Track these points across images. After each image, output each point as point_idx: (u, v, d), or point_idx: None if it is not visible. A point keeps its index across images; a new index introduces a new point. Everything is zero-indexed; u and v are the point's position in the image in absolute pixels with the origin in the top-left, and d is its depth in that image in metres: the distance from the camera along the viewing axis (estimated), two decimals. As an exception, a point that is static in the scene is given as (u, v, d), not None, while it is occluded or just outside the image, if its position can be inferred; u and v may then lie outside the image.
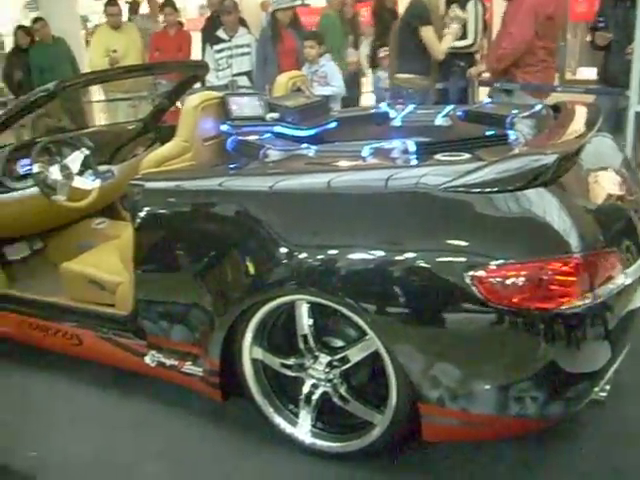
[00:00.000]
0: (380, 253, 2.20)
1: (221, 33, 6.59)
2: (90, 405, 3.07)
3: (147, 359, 2.85)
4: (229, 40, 6.54)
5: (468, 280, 2.06)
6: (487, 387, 2.16)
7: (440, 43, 5.26)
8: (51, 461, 2.72)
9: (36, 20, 8.00)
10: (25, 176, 3.61)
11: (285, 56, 6.31)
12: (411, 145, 2.49)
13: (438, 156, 2.38)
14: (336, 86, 5.98)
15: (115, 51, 7.20)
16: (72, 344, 3.15)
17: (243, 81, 6.45)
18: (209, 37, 6.78)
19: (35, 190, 3.47)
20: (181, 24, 7.61)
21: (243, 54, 6.55)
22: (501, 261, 2.05)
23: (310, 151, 2.66)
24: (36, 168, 3.43)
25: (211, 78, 6.32)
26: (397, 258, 2.16)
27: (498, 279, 2.05)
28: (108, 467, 2.66)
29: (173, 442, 2.76)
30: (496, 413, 2.18)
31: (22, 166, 3.67)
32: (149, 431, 2.84)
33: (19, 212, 3.64)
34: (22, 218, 3.71)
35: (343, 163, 2.51)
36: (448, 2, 5.69)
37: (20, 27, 8.11)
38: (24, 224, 3.83)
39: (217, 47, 6.55)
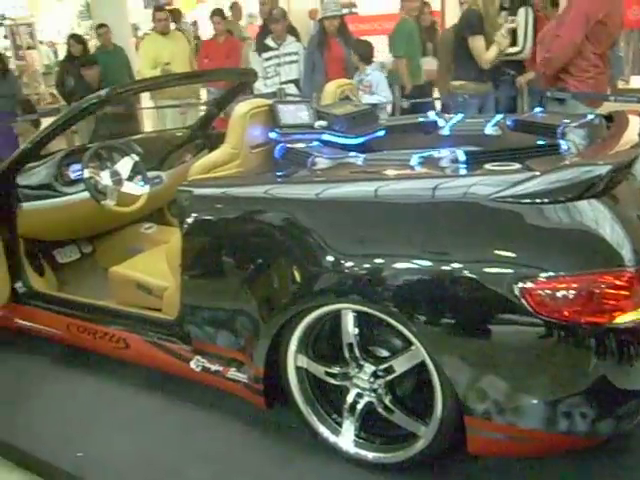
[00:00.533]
0: (427, 263, 2.18)
1: (269, 41, 6.64)
2: (136, 408, 3.10)
3: (192, 364, 2.87)
4: (277, 48, 6.59)
5: (517, 292, 2.03)
6: (535, 402, 2.12)
7: (487, 52, 5.22)
8: (96, 462, 2.75)
9: (100, 26, 8.19)
10: (76, 181, 3.70)
11: (332, 64, 6.33)
12: (460, 154, 2.46)
13: (488, 166, 2.35)
14: (382, 95, 5.97)
15: (168, 63, 7.28)
16: (119, 347, 3.19)
17: (291, 89, 6.49)
18: (258, 45, 6.84)
19: (86, 195, 3.53)
20: (230, 32, 7.68)
21: (291, 62, 6.59)
22: (551, 273, 2.02)
23: (358, 159, 2.65)
24: (87, 173, 3.49)
25: (259, 86, 6.37)
26: (444, 268, 2.14)
27: (548, 292, 2.01)
28: (152, 470, 2.69)
29: (216, 447, 2.77)
30: (544, 429, 2.14)
31: (73, 171, 3.76)
32: (193, 435, 2.86)
33: (70, 216, 3.72)
34: (73, 222, 3.78)
35: (391, 172, 2.49)
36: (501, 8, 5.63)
37: (72, 36, 8.28)
38: (74, 228, 3.91)
39: (265, 55, 6.60)
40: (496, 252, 2.10)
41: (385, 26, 14.26)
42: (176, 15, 10.43)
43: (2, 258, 3.43)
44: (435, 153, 2.54)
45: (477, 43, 5.18)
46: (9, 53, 14.45)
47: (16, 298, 3.54)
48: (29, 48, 15.57)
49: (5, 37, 15.45)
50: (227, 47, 7.46)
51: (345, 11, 6.66)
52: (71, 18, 18.92)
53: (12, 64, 12.49)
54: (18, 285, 3.55)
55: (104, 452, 2.80)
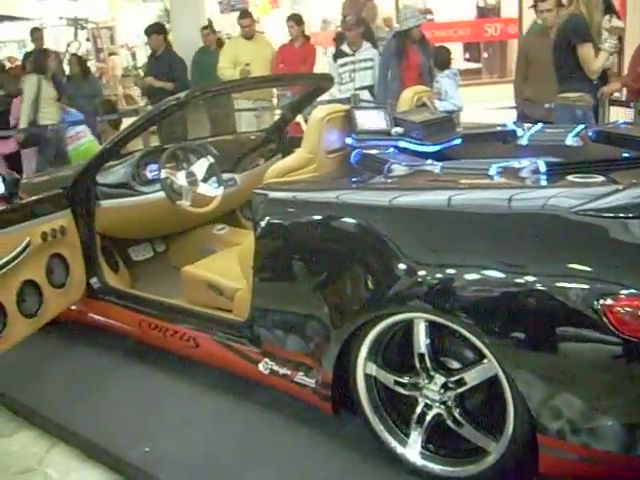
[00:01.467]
0: (503, 275, 2.13)
1: (345, 47, 6.65)
2: (204, 408, 3.13)
3: (260, 366, 2.88)
4: (352, 54, 6.59)
5: (597, 308, 1.96)
6: (612, 423, 2.04)
7: (595, 60, 5.03)
8: (162, 458, 2.78)
9: (205, 27, 8.43)
10: (153, 181, 3.77)
11: (409, 71, 6.29)
12: (541, 165, 2.40)
13: (570, 177, 2.29)
14: (452, 102, 5.89)
15: (248, 64, 7.37)
16: (189, 346, 3.23)
17: (365, 95, 6.48)
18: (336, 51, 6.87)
19: (161, 195, 3.60)
20: (307, 37, 7.72)
21: (366, 68, 6.58)
22: (633, 291, 1.94)
23: (436, 167, 2.62)
24: (164, 174, 3.56)
25: (333, 91, 6.37)
26: (521, 281, 2.09)
27: (630, 309, 1.94)
28: (215, 470, 2.70)
29: (280, 451, 2.77)
30: (620, 451, 2.06)
31: (150, 171, 3.84)
32: (257, 437, 2.87)
33: (145, 215, 3.79)
34: (148, 221, 3.86)
35: (469, 181, 2.46)
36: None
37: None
38: (149, 227, 3.99)
39: (341, 61, 6.61)
40: (576, 267, 2.04)
41: (460, 33, 14.21)
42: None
43: (80, 253, 3.51)
44: (515, 163, 2.48)
45: (587, 51, 4.95)
46: (90, 56, 14.92)
47: (91, 293, 3.62)
48: (111, 54, 16.04)
49: (87, 40, 15.93)
50: (303, 52, 7.49)
51: (423, 20, 6.57)
52: (150, 22, 19.39)
53: (93, 66, 12.85)
54: (93, 280, 3.63)
55: (170, 449, 2.84)
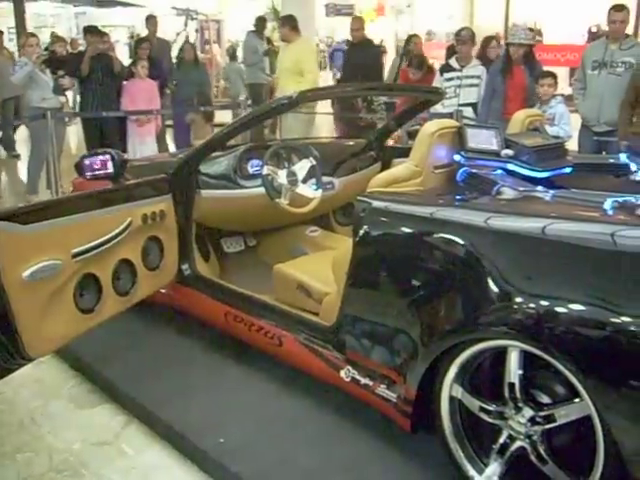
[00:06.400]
0: (605, 313, 2.05)
1: (453, 62, 6.59)
2: (281, 407, 3.13)
3: (342, 373, 2.87)
4: (460, 70, 6.52)
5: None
6: None
7: None
8: (235, 452, 2.80)
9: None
10: (254, 176, 3.81)
11: (513, 91, 6.17)
12: (661, 204, 2.31)
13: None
14: (563, 129, 5.75)
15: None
16: (272, 344, 3.25)
17: (468, 112, 6.40)
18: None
19: (260, 190, 3.63)
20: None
21: (472, 85, 6.49)
22: None
23: (547, 195, 2.55)
24: (266, 170, 3.59)
25: (437, 106, 6.32)
26: (622, 322, 2.00)
27: None
28: (286, 472, 2.70)
29: (353, 461, 2.74)
30: None
31: (252, 166, 3.88)
32: (332, 445, 2.84)
33: (242, 208, 3.84)
34: (244, 215, 3.91)
35: (582, 212, 2.38)
36: None
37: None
38: (244, 220, 4.04)
39: (447, 75, 6.54)
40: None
41: (568, 57, 13.86)
42: None
43: (175, 239, 3.58)
44: (632, 199, 2.39)
45: None
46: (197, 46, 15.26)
47: (181, 279, 3.69)
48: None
49: (196, 31, 16.31)
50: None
51: (531, 41, 6.44)
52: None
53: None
54: (185, 267, 3.69)
55: (245, 443, 2.86)
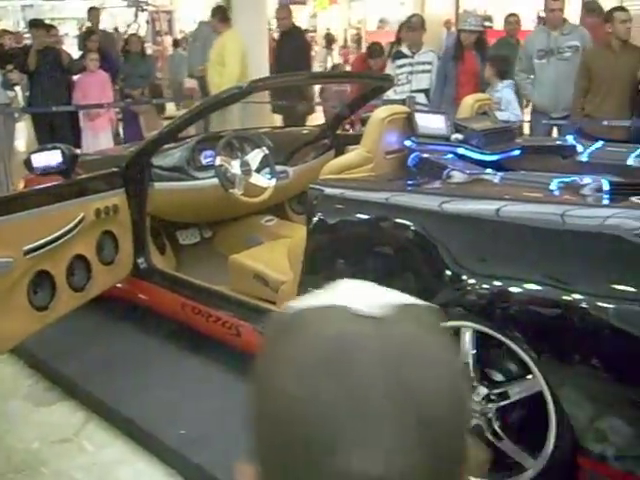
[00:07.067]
0: (556, 292, 2.10)
1: (405, 49, 6.62)
2: (241, 398, 3.09)
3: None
4: (412, 56, 6.55)
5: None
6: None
7: None
8: (197, 442, 2.80)
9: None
10: (207, 167, 3.79)
11: (465, 77, 6.23)
12: (605, 183, 2.36)
13: (634, 199, 2.25)
14: (514, 114, 5.81)
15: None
16: (231, 334, 3.24)
17: (420, 98, 6.43)
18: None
19: (214, 181, 3.61)
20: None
21: (424, 71, 6.53)
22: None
23: (495, 177, 2.60)
24: (219, 161, 3.58)
25: (389, 92, 6.34)
26: (573, 299, 2.06)
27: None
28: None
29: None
30: (665, 481, 2.03)
31: (205, 157, 3.86)
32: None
33: (196, 200, 3.82)
34: (198, 206, 3.89)
35: (529, 193, 2.43)
36: None
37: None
38: (199, 212, 4.02)
39: (399, 62, 6.57)
40: (632, 289, 2.01)
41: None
42: None
43: (129, 233, 3.55)
44: (577, 179, 2.45)
45: None
46: (148, 38, 15.08)
47: (137, 273, 3.66)
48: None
49: (147, 22, 16.11)
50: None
51: (480, 28, 6.50)
52: (207, 9, 19.54)
53: (149, 49, 13.00)
54: (140, 260, 3.66)
55: (206, 433, 2.86)
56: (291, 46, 7.64)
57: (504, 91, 5.82)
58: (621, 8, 5.72)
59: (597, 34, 5.82)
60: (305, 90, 7.16)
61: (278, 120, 7.60)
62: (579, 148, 3.26)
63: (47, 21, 9.34)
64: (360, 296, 0.61)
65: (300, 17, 18.94)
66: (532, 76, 6.05)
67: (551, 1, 5.84)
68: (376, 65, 7.03)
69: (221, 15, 7.32)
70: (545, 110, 5.98)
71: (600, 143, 3.35)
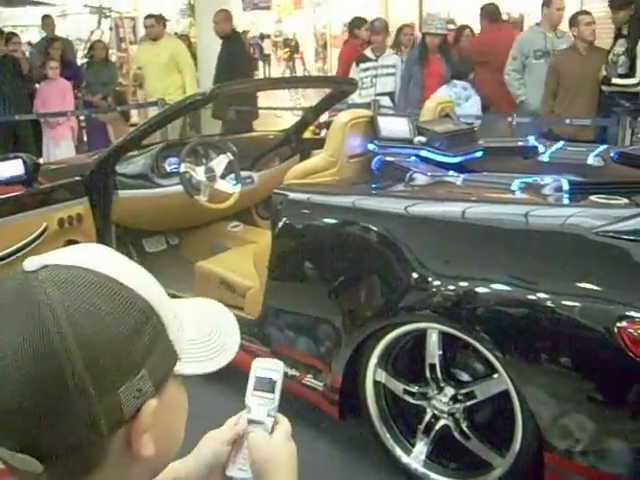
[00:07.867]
0: (519, 291, 2.13)
1: (368, 52, 6.64)
2: (209, 404, 3.09)
3: (269, 366, 2.87)
4: (376, 60, 6.58)
5: (613, 330, 1.95)
6: (622, 446, 2.03)
7: None
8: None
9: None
10: (171, 174, 3.77)
11: (430, 80, 6.27)
12: (564, 183, 2.40)
13: (593, 198, 2.28)
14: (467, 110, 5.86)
15: (140, 68, 7.49)
16: (198, 341, 3.22)
17: (385, 101, 6.46)
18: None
19: (179, 188, 3.59)
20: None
21: (388, 74, 6.56)
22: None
23: (457, 179, 2.62)
24: (183, 168, 3.56)
25: (353, 96, 6.35)
26: (536, 298, 2.08)
27: (645, 333, 1.93)
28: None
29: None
30: (629, 475, 2.05)
31: (170, 164, 3.84)
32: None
33: (161, 207, 3.79)
34: (163, 213, 3.86)
35: (491, 194, 2.45)
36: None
37: None
38: (164, 219, 3.99)
39: (363, 66, 6.59)
40: (594, 287, 2.04)
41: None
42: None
43: (94, 241, 3.51)
44: (538, 179, 2.48)
45: None
46: (112, 45, 14.94)
47: None
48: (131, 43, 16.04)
49: (110, 29, 15.95)
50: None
51: (444, 31, 6.54)
52: (171, 15, 19.40)
53: (114, 56, 12.89)
54: (106, 269, 3.62)
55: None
56: (229, 52, 7.52)
57: (460, 86, 5.89)
58: (585, 12, 5.80)
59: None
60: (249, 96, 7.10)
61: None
62: (540, 148, 3.31)
63: (8, 29, 9.21)
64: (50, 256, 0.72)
65: (265, 22, 18.91)
66: (519, 76, 6.11)
67: (558, 1, 5.90)
68: (363, 34, 7.07)
69: (164, 21, 7.78)
70: (536, 110, 6.03)
71: (561, 143, 3.40)
